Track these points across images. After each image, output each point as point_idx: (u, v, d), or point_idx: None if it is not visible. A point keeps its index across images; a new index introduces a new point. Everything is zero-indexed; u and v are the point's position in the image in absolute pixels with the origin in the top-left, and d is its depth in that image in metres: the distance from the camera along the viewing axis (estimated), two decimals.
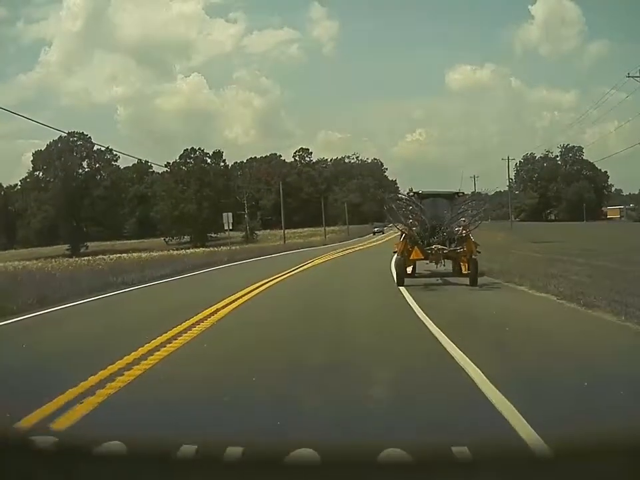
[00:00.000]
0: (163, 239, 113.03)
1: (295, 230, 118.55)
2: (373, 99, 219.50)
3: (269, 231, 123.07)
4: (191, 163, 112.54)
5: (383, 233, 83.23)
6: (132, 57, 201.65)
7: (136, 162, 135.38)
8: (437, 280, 17.20)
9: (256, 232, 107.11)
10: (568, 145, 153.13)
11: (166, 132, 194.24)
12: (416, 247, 16.58)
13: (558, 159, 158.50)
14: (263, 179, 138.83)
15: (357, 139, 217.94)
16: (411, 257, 16.85)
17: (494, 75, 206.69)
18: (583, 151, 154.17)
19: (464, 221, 16.78)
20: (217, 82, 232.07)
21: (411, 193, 19.13)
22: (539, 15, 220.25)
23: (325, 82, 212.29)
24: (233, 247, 65.89)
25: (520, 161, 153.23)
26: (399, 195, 22.24)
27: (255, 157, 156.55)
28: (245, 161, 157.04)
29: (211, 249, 72.92)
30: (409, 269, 17.46)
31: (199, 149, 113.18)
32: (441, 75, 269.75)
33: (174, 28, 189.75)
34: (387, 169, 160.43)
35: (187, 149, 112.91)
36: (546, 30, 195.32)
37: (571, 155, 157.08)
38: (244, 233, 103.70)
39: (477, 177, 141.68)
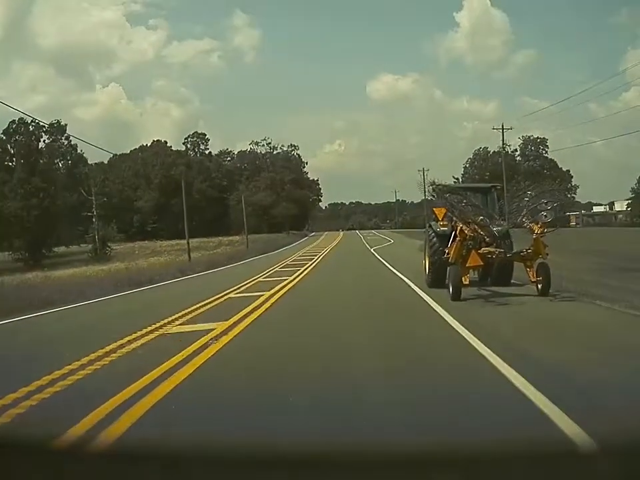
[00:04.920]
0: None
1: (179, 241, 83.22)
2: (293, 108, 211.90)
3: (142, 242, 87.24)
4: (22, 140, 75.05)
5: None
6: (51, 65, 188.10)
7: None
8: (479, 290, 14.67)
9: (109, 245, 70.52)
10: (530, 136, 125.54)
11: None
12: (473, 251, 13.91)
13: (517, 153, 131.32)
14: (142, 173, 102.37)
15: None
16: (468, 264, 13.95)
17: (417, 84, 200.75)
18: (547, 144, 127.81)
19: (545, 216, 13.97)
20: (135, 92, 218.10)
21: (440, 186, 17.63)
22: (464, 23, 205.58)
23: (245, 92, 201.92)
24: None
25: (468, 159, 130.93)
26: (450, 186, 18.50)
27: (143, 146, 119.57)
28: (128, 152, 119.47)
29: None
30: (466, 279, 13.87)
31: (33, 120, 75.72)
32: (363, 84, 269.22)
33: (94, 36, 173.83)
34: (307, 162, 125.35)
35: (15, 120, 75.14)
36: (471, 39, 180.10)
37: (533, 148, 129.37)
38: (92, 246, 67.56)
39: (427, 170, 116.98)
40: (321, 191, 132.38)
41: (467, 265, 13.96)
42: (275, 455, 1.72)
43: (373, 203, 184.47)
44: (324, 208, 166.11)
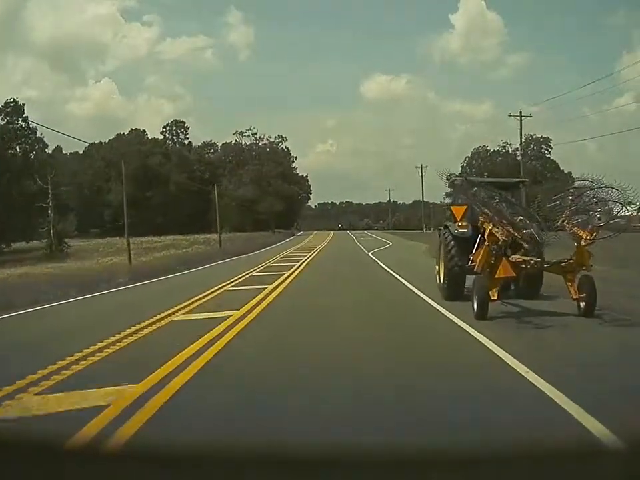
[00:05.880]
0: None
1: (152, 238, 75.23)
2: (286, 107, 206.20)
3: (113, 239, 78.99)
4: None
5: None
6: (45, 60, 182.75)
7: None
8: (503, 304, 12.31)
9: (66, 241, 62.02)
10: (533, 135, 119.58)
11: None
12: (504, 259, 11.64)
13: (518, 153, 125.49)
14: (115, 162, 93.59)
15: None
16: (498, 275, 11.61)
17: (410, 85, 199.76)
18: (550, 143, 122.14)
19: (599, 219, 11.39)
20: (128, 88, 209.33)
21: (458, 181, 14.56)
22: (459, 25, 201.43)
23: (238, 89, 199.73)
24: None
25: (467, 157, 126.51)
26: (473, 180, 15.60)
27: (120, 134, 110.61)
28: (106, 142, 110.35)
29: None
30: (494, 294, 11.42)
31: None
32: (357, 84, 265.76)
33: (89, 31, 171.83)
34: (295, 157, 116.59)
35: None
36: (466, 40, 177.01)
37: (535, 147, 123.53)
38: (47, 242, 59.12)
39: (426, 166, 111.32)
40: (311, 188, 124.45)
41: (496, 276, 11.76)
42: (274, 454, 1.71)
43: (364, 203, 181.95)
44: (314, 207, 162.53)
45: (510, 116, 56.45)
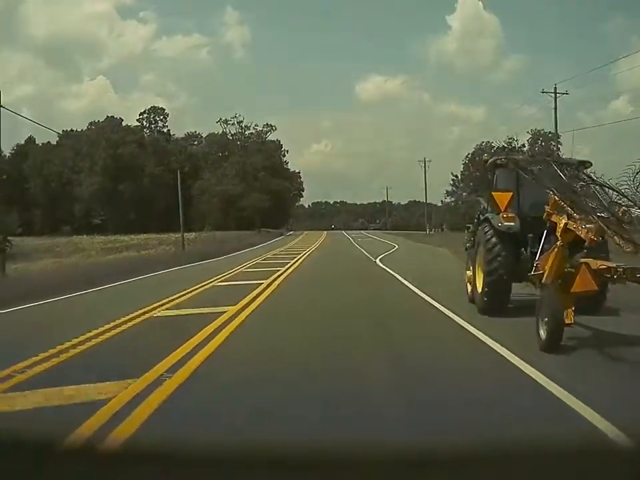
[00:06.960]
0: None
1: (121, 237, 66.55)
2: (281, 106, 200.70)
3: (80, 237, 70.44)
4: None
5: None
6: (40, 56, 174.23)
7: None
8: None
9: (10, 240, 52.87)
10: (542, 130, 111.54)
11: None
12: (583, 266, 8.49)
13: (525, 148, 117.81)
14: (87, 153, 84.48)
15: None
16: (574, 289, 8.39)
17: (406, 86, 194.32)
18: (560, 140, 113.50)
19: None
20: (123, 85, 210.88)
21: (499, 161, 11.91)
22: (456, 26, 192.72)
23: (233, 88, 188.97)
24: None
25: (468, 154, 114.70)
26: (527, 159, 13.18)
27: (93, 122, 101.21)
28: (81, 130, 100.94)
29: None
30: (569, 316, 8.26)
31: None
32: (352, 84, 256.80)
33: (84, 27, 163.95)
34: (287, 151, 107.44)
35: None
36: (462, 42, 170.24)
37: (543, 143, 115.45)
38: None
39: (429, 160, 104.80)
40: (303, 185, 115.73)
41: (572, 290, 8.35)
42: (274, 455, 1.73)
43: (358, 203, 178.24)
44: (307, 207, 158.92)
45: (543, 92, 47.57)
